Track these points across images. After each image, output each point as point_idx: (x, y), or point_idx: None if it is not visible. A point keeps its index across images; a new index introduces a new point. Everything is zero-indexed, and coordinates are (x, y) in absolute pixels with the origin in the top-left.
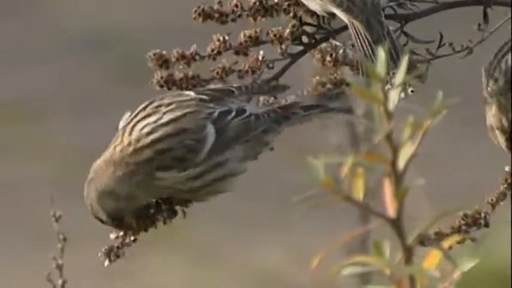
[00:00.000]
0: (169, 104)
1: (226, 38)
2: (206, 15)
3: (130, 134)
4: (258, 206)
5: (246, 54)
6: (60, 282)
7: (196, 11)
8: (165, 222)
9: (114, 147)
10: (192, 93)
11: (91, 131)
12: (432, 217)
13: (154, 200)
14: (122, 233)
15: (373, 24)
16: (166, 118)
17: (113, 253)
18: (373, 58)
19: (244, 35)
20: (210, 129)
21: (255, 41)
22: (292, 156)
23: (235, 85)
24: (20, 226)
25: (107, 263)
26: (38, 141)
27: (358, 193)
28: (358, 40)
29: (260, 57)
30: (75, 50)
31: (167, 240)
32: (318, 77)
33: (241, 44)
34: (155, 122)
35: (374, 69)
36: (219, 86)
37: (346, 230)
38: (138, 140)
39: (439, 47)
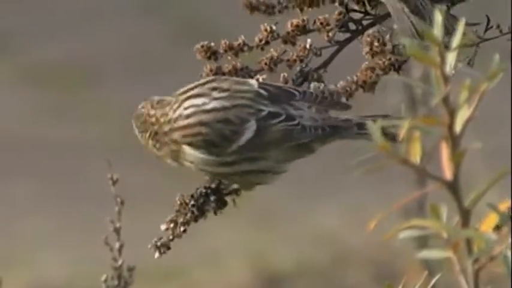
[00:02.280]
0: (225, 90)
1: (274, 27)
2: (254, 8)
3: (176, 109)
4: (316, 170)
5: (293, 43)
6: (117, 245)
7: (244, 3)
8: (215, 213)
9: (161, 116)
10: (254, 84)
11: (148, 94)
12: (489, 180)
13: (203, 190)
14: (172, 225)
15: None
16: (211, 105)
17: (163, 245)
18: (415, 29)
19: (291, 24)
20: (252, 126)
21: (302, 30)
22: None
23: (300, 89)
24: (78, 190)
25: (157, 255)
26: (95, 106)
27: (415, 156)
28: (397, 13)
29: (308, 46)
30: (131, 13)
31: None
32: (366, 63)
33: (288, 33)
34: (199, 106)
35: (431, 33)
36: (286, 85)
37: (403, 193)
38: (176, 119)
39: (486, 29)
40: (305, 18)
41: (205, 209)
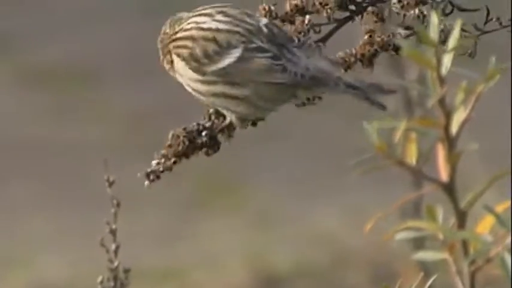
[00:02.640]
0: (228, 16)
1: (272, 7)
2: None
3: (180, 24)
4: (314, 170)
5: (292, 23)
6: (113, 247)
7: None
8: (207, 154)
9: (170, 30)
10: (261, 21)
11: (148, 95)
12: (486, 182)
13: (196, 125)
14: (163, 159)
15: None
16: (208, 25)
17: (153, 174)
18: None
19: (290, 4)
20: (236, 52)
21: (301, 10)
22: (348, 120)
23: (303, 37)
24: (77, 191)
25: (146, 183)
26: (95, 107)
27: (411, 158)
28: None
29: (306, 21)
30: (131, 15)
31: (224, 204)
32: (366, 37)
33: (287, 13)
34: (199, 23)
35: (427, 34)
36: (290, 30)
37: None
38: (176, 32)
39: (486, 21)
40: None
41: (197, 143)
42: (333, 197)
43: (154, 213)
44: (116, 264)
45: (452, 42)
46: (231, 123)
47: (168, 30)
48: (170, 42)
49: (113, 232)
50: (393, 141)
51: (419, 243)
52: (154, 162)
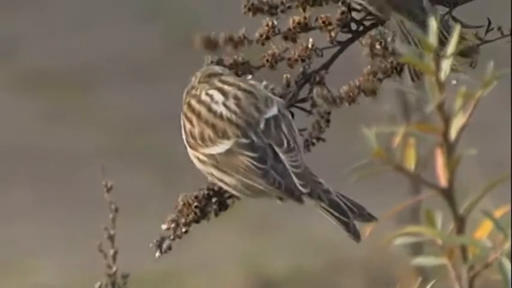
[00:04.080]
0: (238, 103)
1: (275, 23)
2: (256, 9)
3: (203, 86)
4: None
5: (294, 40)
6: (111, 252)
7: (246, 5)
8: (216, 215)
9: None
10: (269, 112)
11: (145, 101)
12: (484, 187)
13: (206, 191)
14: (173, 225)
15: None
16: (215, 107)
17: (164, 244)
18: (417, 43)
19: (293, 21)
20: (227, 144)
21: (304, 27)
22: (345, 126)
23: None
24: (73, 196)
25: (158, 254)
26: (92, 111)
27: (410, 163)
28: (401, 30)
29: (310, 45)
30: (129, 19)
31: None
32: (369, 67)
33: (290, 29)
34: (210, 101)
35: (426, 40)
36: (292, 55)
37: (398, 200)
38: (195, 95)
39: (487, 31)
40: (307, 15)
41: (207, 211)
42: None
43: (151, 218)
44: (114, 269)
45: (451, 47)
46: None
47: (194, 84)
48: (188, 99)
49: (111, 237)
50: (392, 147)
51: (417, 248)
52: (164, 226)
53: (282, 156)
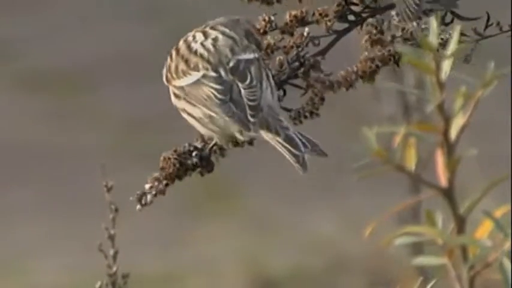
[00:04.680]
0: (215, 43)
1: (272, 18)
2: None
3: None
4: (311, 176)
5: (291, 34)
6: (111, 252)
7: None
8: (201, 174)
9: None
10: (241, 55)
11: (145, 100)
12: (484, 187)
13: (187, 146)
14: (156, 183)
15: None
16: (192, 45)
17: (145, 197)
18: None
19: (290, 14)
20: (196, 76)
21: (301, 21)
22: (345, 126)
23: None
24: (73, 196)
25: (138, 207)
26: (91, 112)
27: (410, 163)
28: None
29: (305, 33)
30: (129, 20)
31: (221, 209)
32: (366, 53)
33: (286, 23)
34: (191, 40)
35: (426, 40)
36: (288, 43)
37: (398, 200)
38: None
39: (486, 27)
40: (304, 9)
41: (188, 164)
42: (330, 202)
43: (151, 218)
44: (114, 269)
45: (451, 47)
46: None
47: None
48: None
49: (111, 237)
50: (392, 147)
51: (417, 248)
52: (147, 186)
53: (242, 91)
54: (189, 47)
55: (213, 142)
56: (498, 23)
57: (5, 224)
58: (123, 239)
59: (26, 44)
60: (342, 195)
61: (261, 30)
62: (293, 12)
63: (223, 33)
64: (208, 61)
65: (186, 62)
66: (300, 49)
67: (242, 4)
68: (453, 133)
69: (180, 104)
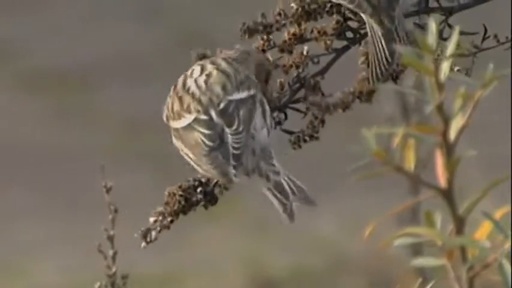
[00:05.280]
0: (207, 80)
1: (270, 36)
2: (252, 31)
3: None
4: (311, 176)
5: (290, 52)
6: (111, 253)
7: (241, 29)
8: (205, 207)
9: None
10: (233, 95)
11: (145, 101)
12: (483, 188)
13: (192, 181)
14: (160, 217)
15: (384, 20)
16: (188, 82)
17: (149, 234)
18: (386, 54)
19: (289, 32)
20: (188, 119)
21: (299, 39)
22: (345, 127)
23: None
24: (73, 196)
25: (143, 244)
26: (92, 112)
27: (409, 164)
28: (372, 35)
29: (304, 52)
30: (129, 20)
31: (221, 209)
32: (363, 73)
33: (285, 41)
34: (186, 76)
35: (425, 41)
36: (287, 61)
37: (398, 200)
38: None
39: (483, 39)
40: (302, 27)
41: (193, 201)
42: (330, 203)
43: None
44: (113, 270)
45: (451, 48)
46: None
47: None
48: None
49: (111, 238)
50: (391, 147)
51: (417, 249)
52: (151, 220)
53: (229, 137)
54: (184, 84)
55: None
56: (495, 35)
57: (4, 225)
58: (122, 240)
59: (26, 44)
60: (341, 196)
61: (260, 49)
62: (292, 30)
63: (217, 68)
64: (199, 101)
65: (180, 100)
66: (300, 70)
67: (243, 5)
68: (452, 134)
69: (178, 144)
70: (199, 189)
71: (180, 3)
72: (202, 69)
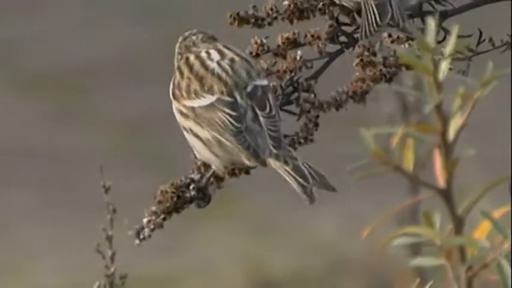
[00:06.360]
0: (232, 64)
1: (264, 41)
2: (242, 20)
3: (203, 42)
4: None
5: (284, 57)
6: (109, 253)
7: (231, 15)
8: (199, 206)
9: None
10: (256, 81)
11: (144, 101)
12: (482, 188)
13: (184, 179)
14: (154, 216)
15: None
16: (209, 63)
17: (142, 232)
18: (376, 13)
19: (282, 37)
20: (210, 99)
21: (293, 43)
22: (344, 127)
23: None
24: (72, 197)
25: (137, 242)
26: (91, 113)
27: (409, 164)
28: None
29: (298, 57)
30: (128, 21)
31: (221, 211)
32: (357, 73)
33: (279, 46)
34: (206, 58)
35: (424, 40)
36: (281, 66)
37: (397, 200)
38: (193, 50)
39: (478, 43)
40: (296, 31)
41: (186, 197)
42: (329, 204)
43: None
44: (112, 270)
45: (449, 48)
46: (216, 174)
47: (196, 41)
48: (187, 55)
49: (109, 238)
50: (390, 147)
51: (416, 249)
52: (145, 219)
53: (261, 118)
54: (204, 65)
55: (210, 172)
56: (491, 39)
57: (4, 225)
58: (120, 240)
59: (26, 44)
60: (341, 197)
61: (254, 53)
62: (285, 35)
63: (239, 55)
64: (225, 83)
65: (201, 81)
66: (293, 74)
67: (243, 6)
68: (451, 134)
69: (186, 123)
70: (191, 186)
71: (180, 4)
72: (222, 54)
